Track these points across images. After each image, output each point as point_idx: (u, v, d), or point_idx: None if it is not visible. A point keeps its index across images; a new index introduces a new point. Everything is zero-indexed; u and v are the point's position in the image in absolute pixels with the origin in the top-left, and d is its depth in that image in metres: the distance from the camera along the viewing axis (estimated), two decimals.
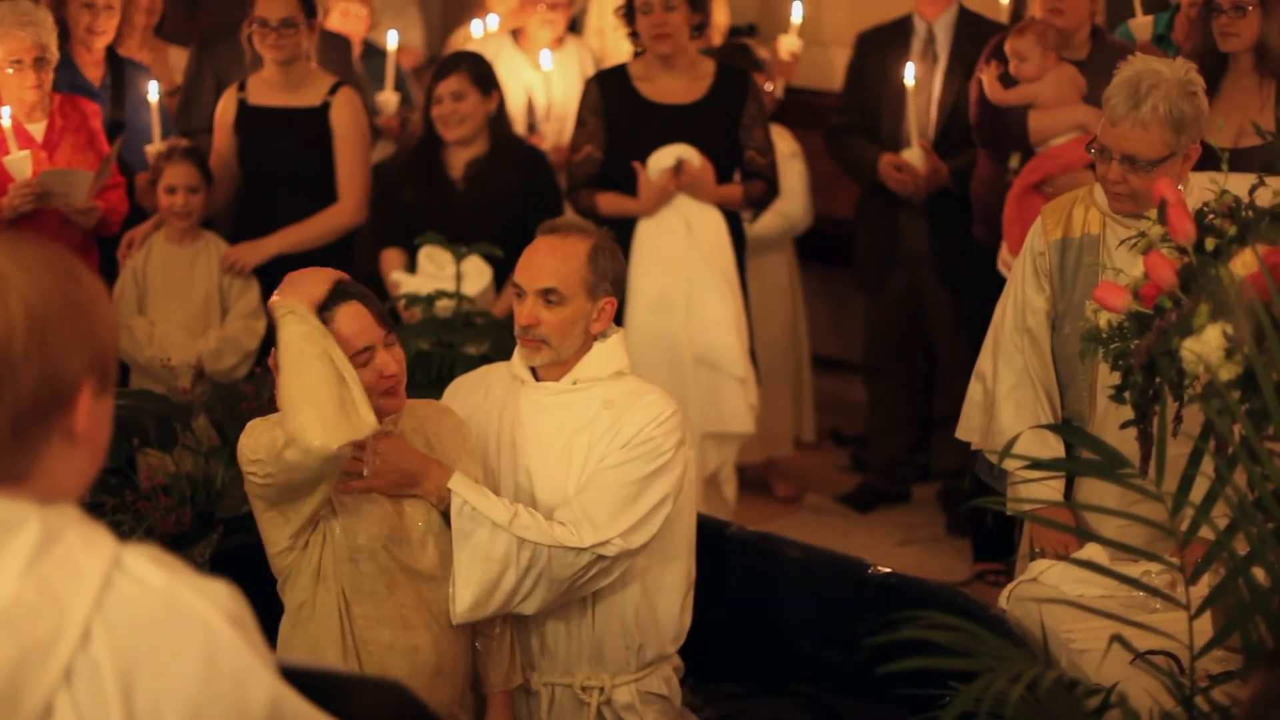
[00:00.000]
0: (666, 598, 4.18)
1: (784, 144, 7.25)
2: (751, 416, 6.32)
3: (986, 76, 6.10)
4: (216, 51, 6.59)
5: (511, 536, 3.90)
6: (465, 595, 3.92)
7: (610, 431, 4.06)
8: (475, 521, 3.90)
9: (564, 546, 3.93)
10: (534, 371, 4.18)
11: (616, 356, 4.17)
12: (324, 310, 3.80)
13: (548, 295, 4.06)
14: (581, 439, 4.08)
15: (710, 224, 6.26)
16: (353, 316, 3.84)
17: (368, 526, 3.87)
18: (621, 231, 6.24)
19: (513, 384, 4.20)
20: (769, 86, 7.14)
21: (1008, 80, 6.09)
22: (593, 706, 4.15)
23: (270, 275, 6.06)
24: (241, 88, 6.23)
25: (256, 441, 3.74)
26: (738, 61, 6.90)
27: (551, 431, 4.11)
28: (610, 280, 4.13)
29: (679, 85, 6.29)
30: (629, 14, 6.22)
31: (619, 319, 6.16)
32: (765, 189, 6.38)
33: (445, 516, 3.94)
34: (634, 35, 6.25)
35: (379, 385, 3.82)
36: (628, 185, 6.25)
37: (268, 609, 3.75)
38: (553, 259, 4.10)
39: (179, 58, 6.84)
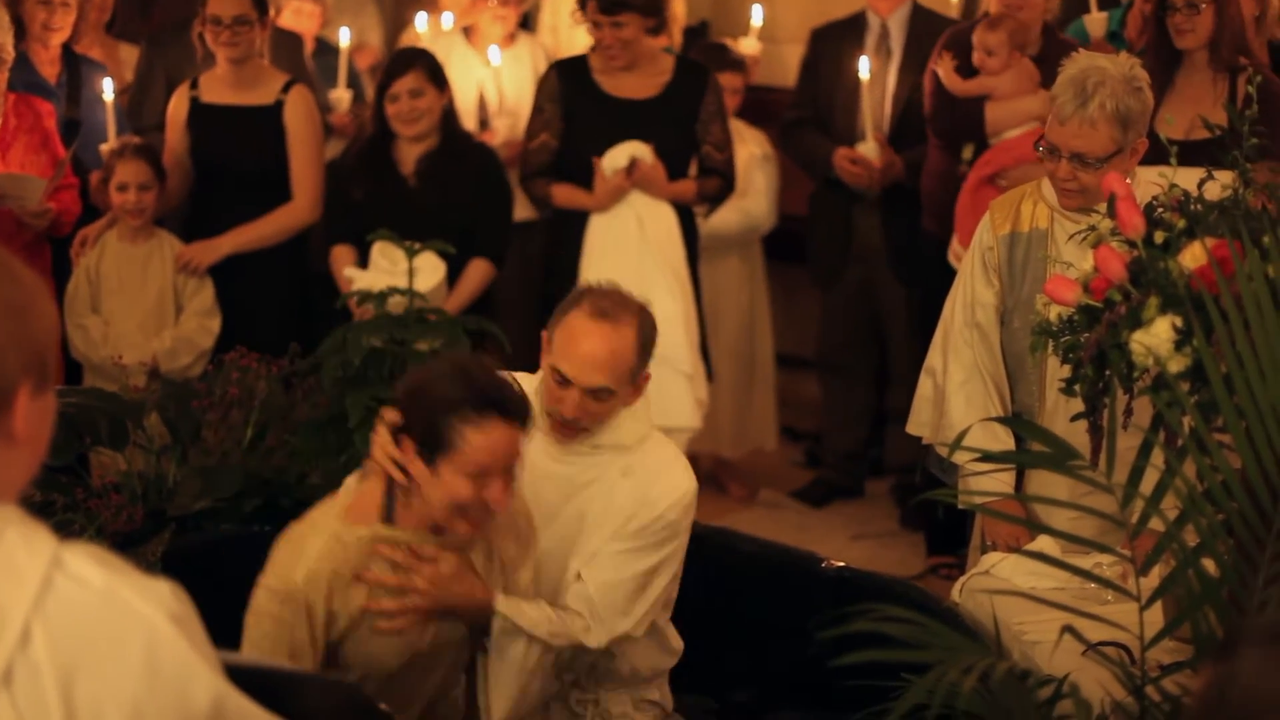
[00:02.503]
0: (663, 629, 4.14)
1: (757, 146, 7.26)
2: (699, 412, 6.33)
3: (943, 68, 6.13)
4: (166, 49, 6.56)
5: (544, 646, 3.76)
6: (500, 708, 3.77)
7: (627, 509, 3.90)
8: (513, 638, 3.72)
9: (582, 645, 3.87)
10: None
11: (643, 422, 3.98)
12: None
13: (598, 392, 3.83)
14: (593, 510, 3.93)
15: (662, 220, 6.28)
16: (482, 444, 3.45)
17: (386, 652, 3.64)
18: (576, 224, 6.27)
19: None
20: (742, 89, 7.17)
21: (963, 72, 6.11)
22: (587, 717, 4.13)
23: (224, 273, 6.06)
24: (194, 85, 6.21)
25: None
26: (714, 61, 6.92)
27: (562, 495, 3.94)
28: (649, 351, 3.91)
29: (637, 80, 6.31)
30: (583, 12, 6.25)
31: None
32: (721, 185, 6.40)
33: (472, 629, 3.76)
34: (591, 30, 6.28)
35: (480, 515, 3.54)
36: (581, 177, 6.26)
37: (219, 608, 3.74)
38: (606, 352, 3.81)
39: (130, 55, 6.80)
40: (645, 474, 3.92)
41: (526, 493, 3.82)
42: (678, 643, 4.21)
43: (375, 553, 3.56)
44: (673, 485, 3.93)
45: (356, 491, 3.65)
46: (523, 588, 3.80)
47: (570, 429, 3.88)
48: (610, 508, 3.91)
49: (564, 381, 3.83)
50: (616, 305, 3.88)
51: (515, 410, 3.47)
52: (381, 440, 3.57)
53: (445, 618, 3.66)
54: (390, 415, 3.56)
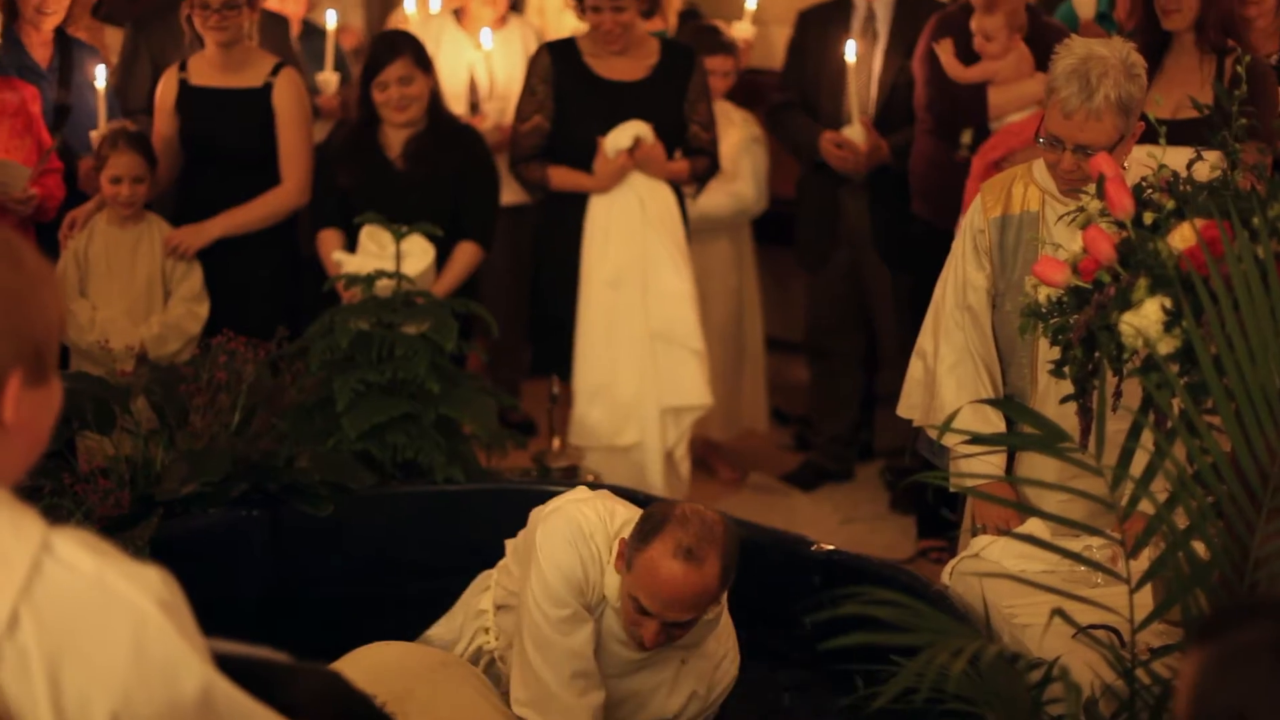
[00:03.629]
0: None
1: (746, 129, 7.26)
2: (709, 390, 6.35)
3: (944, 54, 6.12)
4: (151, 32, 6.53)
5: None
6: None
7: (683, 699, 3.99)
8: None
9: None
10: None
11: (715, 624, 3.98)
12: None
13: (684, 625, 3.80)
14: (648, 690, 3.98)
15: (662, 199, 6.30)
16: None
17: None
18: (573, 207, 6.27)
19: (605, 603, 3.93)
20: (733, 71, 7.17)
21: (961, 57, 6.11)
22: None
23: (213, 257, 6.04)
24: (183, 68, 6.18)
25: None
26: (705, 44, 6.92)
27: (622, 669, 3.96)
28: (733, 573, 3.82)
29: (626, 63, 6.32)
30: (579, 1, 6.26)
31: (573, 295, 6.21)
32: (708, 164, 6.45)
33: None
34: (582, 13, 6.27)
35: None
36: (572, 159, 6.26)
37: (206, 592, 3.73)
38: (693, 595, 3.74)
39: (116, 39, 6.77)
40: (701, 666, 4.01)
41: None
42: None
43: None
44: (724, 677, 4.06)
45: None
46: None
47: (651, 648, 3.87)
48: (664, 694, 4.00)
49: (645, 612, 3.77)
50: (702, 541, 3.73)
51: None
52: None
53: None
54: None
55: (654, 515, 3.79)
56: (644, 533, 3.77)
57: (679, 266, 6.27)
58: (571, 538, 3.88)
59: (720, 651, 4.03)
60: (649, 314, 6.22)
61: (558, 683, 3.84)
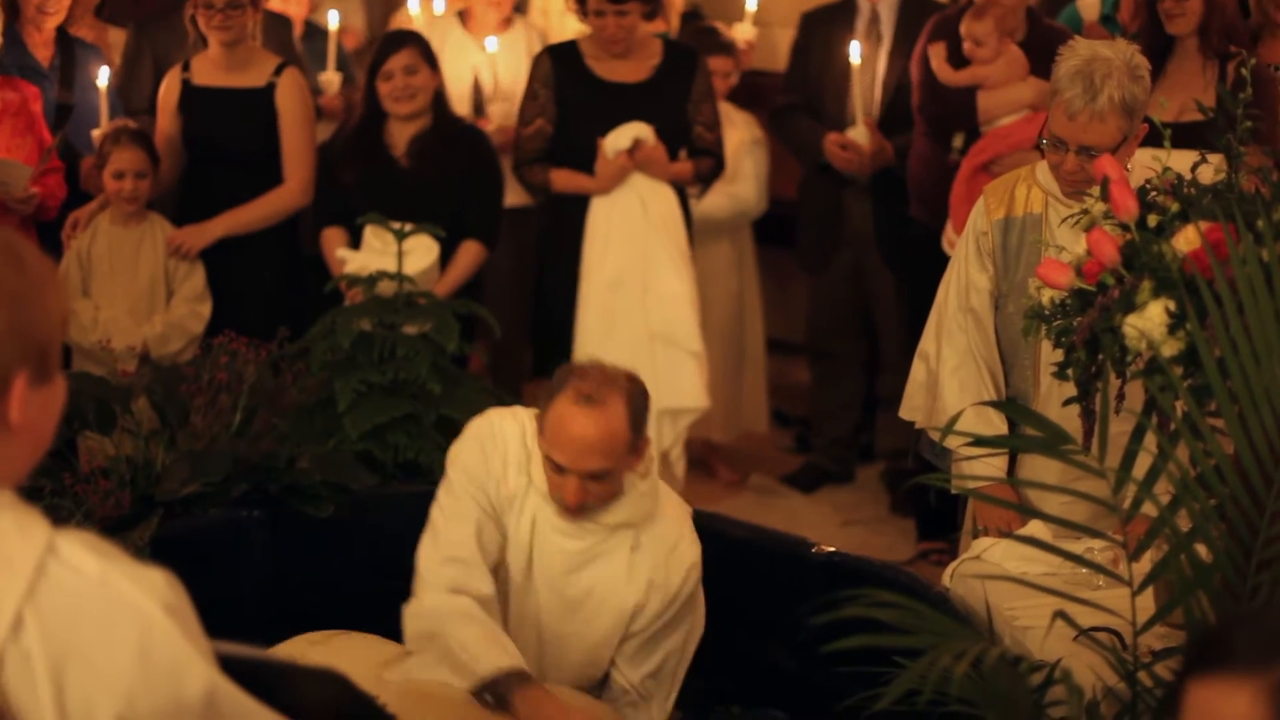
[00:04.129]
0: None
1: (747, 130, 7.26)
2: (706, 392, 6.34)
3: (935, 57, 6.11)
4: (154, 33, 6.54)
5: None
6: None
7: (641, 587, 3.91)
8: None
9: None
10: None
11: (650, 499, 3.96)
12: None
13: (595, 474, 3.80)
14: (601, 584, 3.93)
15: (664, 201, 6.29)
16: None
17: None
18: (575, 209, 6.26)
19: (529, 486, 3.95)
20: (733, 72, 7.17)
21: (953, 60, 6.10)
22: None
23: (216, 257, 6.04)
24: (186, 68, 6.19)
25: None
26: (705, 44, 6.91)
27: (570, 567, 3.94)
28: (643, 422, 3.85)
29: (629, 64, 6.32)
30: (581, 2, 6.25)
31: (575, 298, 6.21)
32: (713, 165, 6.44)
33: None
34: (584, 16, 6.27)
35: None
36: (575, 161, 6.26)
37: (205, 593, 3.72)
38: (597, 438, 3.76)
39: (119, 39, 6.77)
40: (655, 550, 3.93)
41: (532, 553, 3.92)
42: None
43: None
44: (682, 560, 3.94)
45: None
46: None
47: (576, 512, 3.87)
48: (619, 583, 3.93)
49: (560, 469, 3.81)
50: (601, 386, 3.81)
51: None
52: None
53: None
54: None
55: (557, 375, 3.89)
56: (549, 393, 3.86)
57: (679, 268, 6.26)
58: (477, 434, 3.98)
59: (672, 533, 3.96)
60: (648, 315, 6.22)
61: (430, 568, 3.89)
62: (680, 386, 6.27)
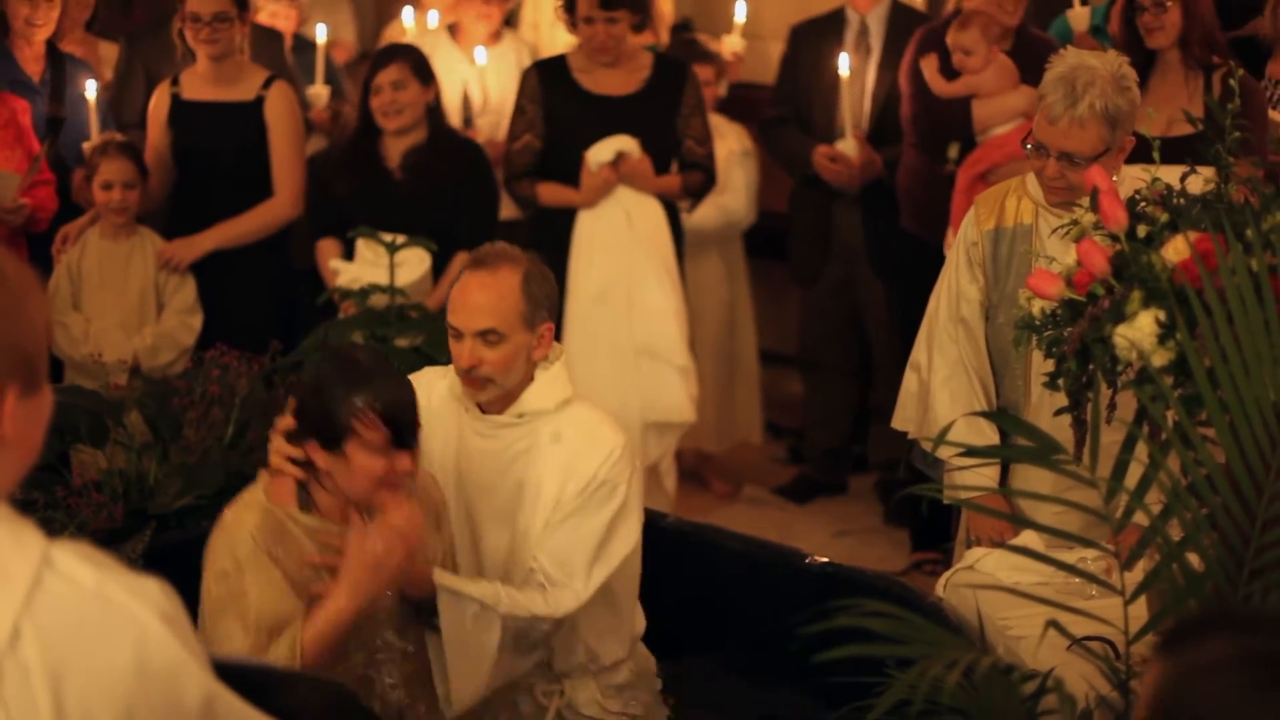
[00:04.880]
0: (618, 605, 4.14)
1: (737, 142, 7.27)
2: (693, 406, 6.33)
3: (927, 70, 6.12)
4: (146, 46, 6.55)
5: (494, 621, 3.80)
6: (460, 691, 3.83)
7: (562, 474, 3.96)
8: (459, 618, 3.78)
9: (540, 616, 3.87)
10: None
11: (560, 386, 4.05)
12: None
13: (486, 335, 3.93)
14: (530, 478, 3.98)
15: (650, 214, 6.28)
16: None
17: None
18: (562, 222, 6.26)
19: (453, 404, 4.08)
20: (716, 82, 7.17)
21: (944, 72, 6.11)
22: (551, 710, 4.12)
23: (207, 270, 6.05)
24: (175, 82, 6.19)
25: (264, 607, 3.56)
26: (687, 55, 6.92)
27: (498, 465, 4.01)
28: (546, 305, 4.01)
29: (618, 77, 6.31)
30: (570, 11, 6.23)
31: (560, 311, 6.20)
32: (704, 179, 6.41)
33: (414, 603, 3.82)
34: (573, 26, 6.27)
35: (387, 479, 3.64)
36: (565, 175, 6.25)
37: (198, 606, 3.72)
38: (486, 297, 3.95)
39: (110, 53, 6.78)
40: (574, 437, 3.99)
41: (460, 470, 4.00)
42: (639, 626, 4.22)
43: (309, 537, 3.66)
44: (600, 444, 3.99)
45: (273, 480, 3.75)
46: (438, 561, 3.89)
47: (475, 382, 3.97)
48: (545, 474, 3.98)
49: (457, 335, 3.97)
50: (496, 255, 4.02)
51: (395, 386, 3.65)
52: (276, 447, 3.72)
53: (388, 589, 3.71)
54: (284, 423, 3.71)
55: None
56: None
57: (664, 282, 6.24)
58: None
59: (592, 421, 4.03)
60: (633, 330, 6.20)
61: None
62: (666, 401, 6.26)
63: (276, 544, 3.62)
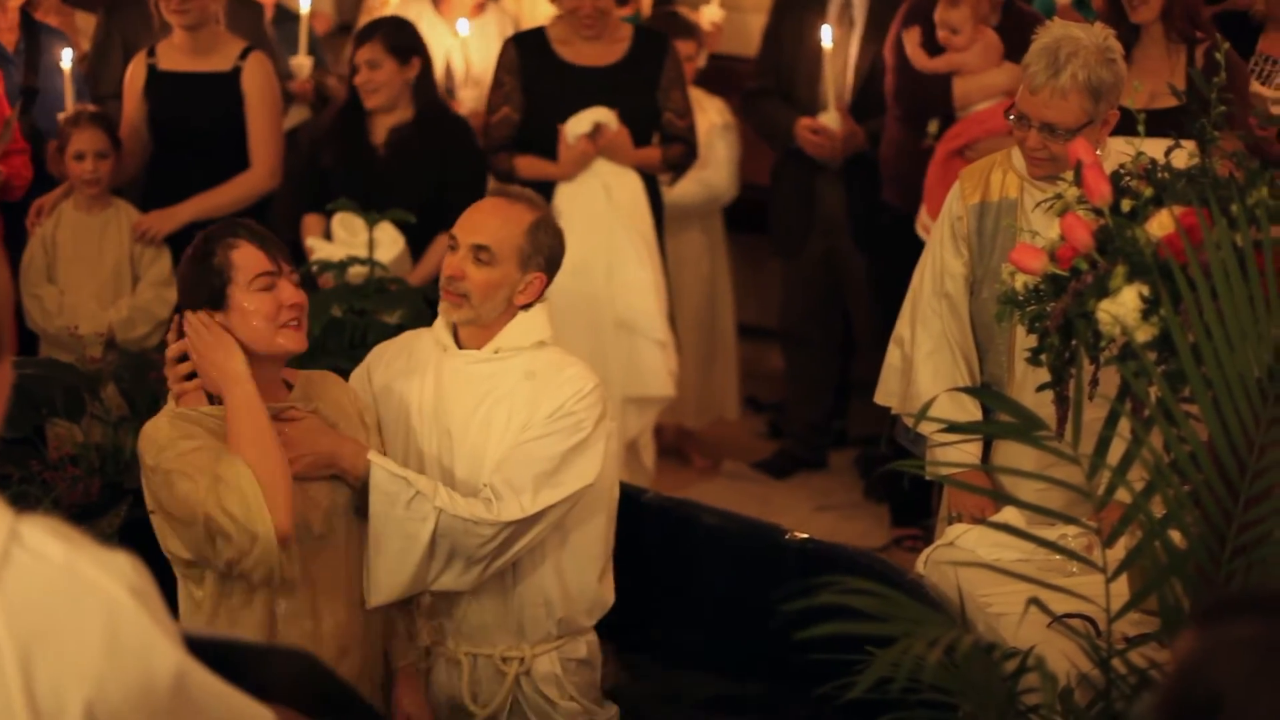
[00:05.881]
0: (586, 569, 4.13)
1: (717, 115, 7.25)
2: (672, 380, 6.32)
3: (909, 43, 6.10)
4: (124, 17, 6.50)
5: (429, 513, 3.82)
6: (381, 579, 3.86)
7: (531, 404, 3.99)
8: (392, 499, 3.82)
9: (479, 520, 3.86)
10: (457, 340, 4.10)
11: (539, 326, 4.09)
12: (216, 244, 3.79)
13: (479, 252, 4.00)
14: (501, 409, 4.01)
15: (629, 187, 6.25)
16: (248, 254, 3.78)
17: None
18: (540, 195, 6.22)
19: (436, 350, 4.12)
20: (696, 55, 7.14)
21: (927, 46, 6.09)
22: (510, 676, 4.11)
23: (182, 243, 5.99)
24: (151, 53, 6.15)
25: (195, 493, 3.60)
26: (667, 28, 6.88)
27: (472, 400, 4.04)
28: (545, 256, 4.07)
29: (597, 48, 6.28)
30: None
31: None
32: (684, 152, 6.38)
33: (355, 492, 3.86)
34: None
35: (280, 316, 3.77)
36: (544, 148, 6.22)
37: (173, 581, 3.70)
38: (494, 218, 4.05)
39: (86, 23, 6.74)
40: (546, 374, 4.04)
41: (436, 410, 4.05)
42: (608, 598, 4.20)
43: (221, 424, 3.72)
44: (571, 379, 4.03)
45: (178, 401, 3.82)
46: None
47: (454, 295, 4.02)
48: (515, 408, 4.01)
49: (454, 247, 4.06)
50: (520, 193, 4.18)
51: (249, 226, 3.84)
52: (171, 373, 3.83)
53: (324, 473, 3.81)
54: (174, 349, 3.84)
55: None
56: None
57: (643, 257, 6.22)
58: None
59: (565, 362, 4.07)
60: (612, 303, 6.19)
61: None
62: (645, 375, 6.24)
63: (190, 437, 3.67)
